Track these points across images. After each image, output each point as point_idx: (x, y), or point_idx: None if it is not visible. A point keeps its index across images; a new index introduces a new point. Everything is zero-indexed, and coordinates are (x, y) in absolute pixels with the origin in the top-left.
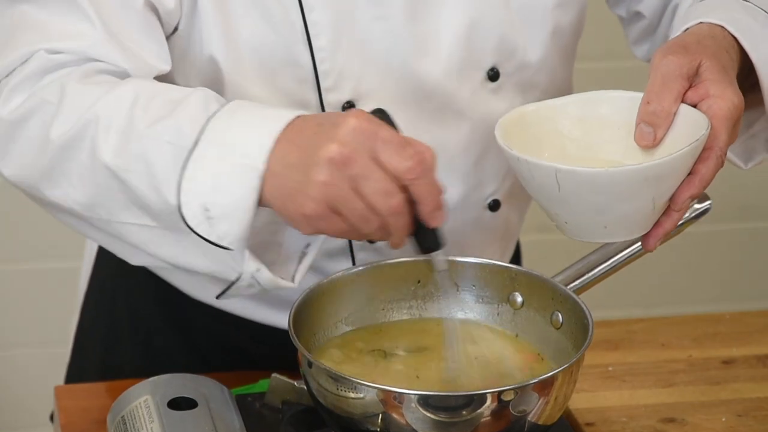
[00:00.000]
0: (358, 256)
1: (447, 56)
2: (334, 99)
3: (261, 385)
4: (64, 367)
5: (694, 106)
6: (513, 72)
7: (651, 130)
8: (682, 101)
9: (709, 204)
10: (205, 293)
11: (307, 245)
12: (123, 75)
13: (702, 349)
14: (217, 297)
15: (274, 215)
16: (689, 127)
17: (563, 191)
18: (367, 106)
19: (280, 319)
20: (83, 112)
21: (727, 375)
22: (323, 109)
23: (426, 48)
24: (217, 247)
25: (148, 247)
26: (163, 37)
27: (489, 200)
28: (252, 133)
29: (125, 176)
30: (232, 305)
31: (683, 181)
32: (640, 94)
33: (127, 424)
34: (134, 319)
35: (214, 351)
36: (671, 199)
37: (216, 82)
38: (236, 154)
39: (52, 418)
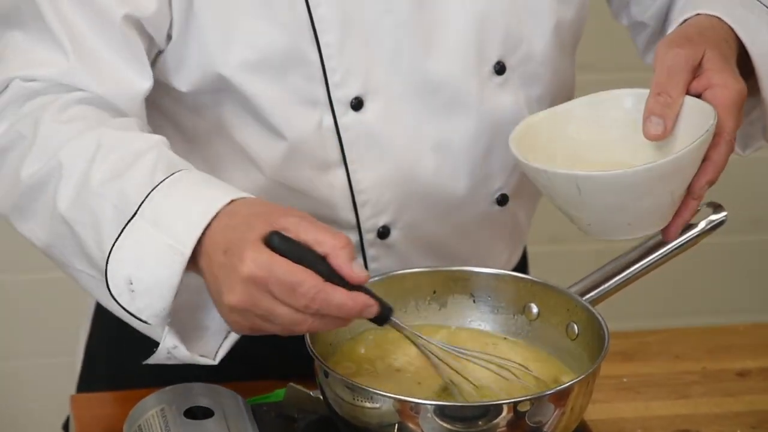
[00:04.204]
0: (369, 252)
1: (455, 50)
2: (342, 95)
3: (277, 395)
4: (72, 377)
5: (699, 96)
6: (517, 65)
7: (661, 122)
8: (687, 92)
9: (725, 216)
10: None
11: None
12: (100, 101)
13: (716, 361)
14: (143, 363)
15: (199, 295)
16: (695, 118)
17: (584, 195)
18: (375, 100)
19: None
20: (50, 157)
21: (741, 387)
22: (332, 106)
23: (434, 41)
24: (136, 320)
25: (96, 296)
26: (144, 54)
27: (497, 195)
28: (184, 215)
29: (76, 228)
30: None
31: (698, 169)
32: (643, 90)
33: None
34: None
35: (229, 359)
36: (689, 188)
37: (220, 84)
38: (166, 234)
39: (65, 427)
